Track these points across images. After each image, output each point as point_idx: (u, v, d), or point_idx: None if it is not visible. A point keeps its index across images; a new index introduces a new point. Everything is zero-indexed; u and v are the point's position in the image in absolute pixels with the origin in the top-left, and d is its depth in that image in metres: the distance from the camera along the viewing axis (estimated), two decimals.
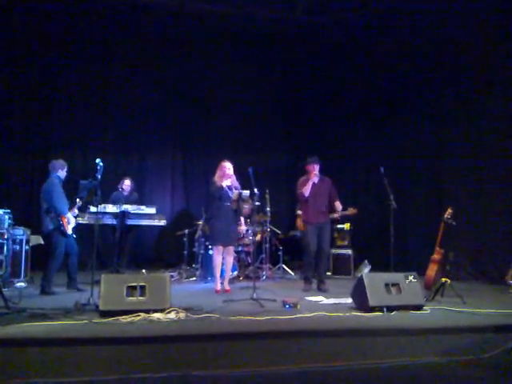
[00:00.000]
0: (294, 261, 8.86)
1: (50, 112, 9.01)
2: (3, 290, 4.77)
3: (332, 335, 4.01)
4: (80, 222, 6.77)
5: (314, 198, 6.44)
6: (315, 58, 9.40)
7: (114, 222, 7.31)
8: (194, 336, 3.87)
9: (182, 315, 4.37)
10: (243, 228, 7.08)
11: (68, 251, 6.02)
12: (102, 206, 6.33)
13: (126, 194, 7.77)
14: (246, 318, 4.39)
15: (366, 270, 8.09)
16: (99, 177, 5.35)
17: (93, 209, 6.05)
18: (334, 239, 8.34)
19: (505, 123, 7.17)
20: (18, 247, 6.78)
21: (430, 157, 8.27)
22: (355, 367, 3.74)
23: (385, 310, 4.67)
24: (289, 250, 8.69)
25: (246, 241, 7.77)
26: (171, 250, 9.28)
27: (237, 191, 6.16)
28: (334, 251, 8.23)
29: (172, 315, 4.35)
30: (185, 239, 7.98)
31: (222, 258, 6.28)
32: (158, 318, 4.27)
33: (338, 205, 6.52)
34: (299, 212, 8.10)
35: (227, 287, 6.26)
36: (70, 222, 5.99)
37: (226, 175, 6.26)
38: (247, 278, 7.49)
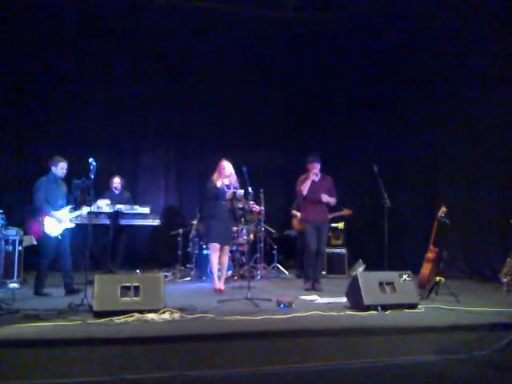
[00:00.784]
0: (289, 260, 8.88)
1: (42, 111, 8.94)
2: None
3: (327, 334, 4.03)
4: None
5: (313, 196, 6.45)
6: (312, 55, 9.37)
7: (108, 221, 7.29)
8: (189, 336, 3.87)
9: (177, 315, 4.37)
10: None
11: (59, 253, 5.83)
12: (97, 205, 6.26)
13: (117, 193, 7.75)
14: (240, 317, 4.40)
15: (360, 269, 8.11)
16: (92, 176, 5.33)
17: (86, 209, 5.96)
18: (329, 238, 8.34)
19: (500, 122, 7.21)
20: (10, 248, 6.74)
21: (424, 155, 8.32)
22: (350, 366, 3.75)
23: (379, 308, 4.70)
24: (283, 250, 8.69)
25: (241, 240, 7.77)
26: (165, 250, 9.25)
27: (231, 190, 6.17)
28: (328, 250, 8.22)
29: (166, 315, 4.35)
30: (179, 239, 7.97)
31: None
32: (152, 319, 4.27)
33: (328, 198, 6.46)
34: (294, 212, 8.13)
35: (222, 287, 6.27)
36: (59, 222, 5.75)
37: (223, 175, 6.26)
38: (242, 277, 7.49)
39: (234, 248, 7.71)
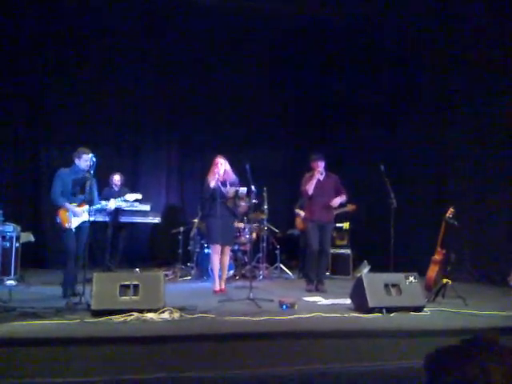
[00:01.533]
0: (292, 260, 8.88)
1: (41, 106, 8.97)
2: None
3: (330, 336, 4.03)
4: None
5: (319, 195, 6.44)
6: (318, 50, 9.36)
7: (107, 218, 7.30)
8: (189, 336, 3.88)
9: (177, 315, 4.38)
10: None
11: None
12: (104, 203, 6.10)
13: (116, 189, 7.75)
14: (242, 318, 4.40)
15: (365, 270, 8.10)
16: (92, 172, 5.34)
17: (113, 203, 5.98)
18: (333, 238, 8.34)
19: (510, 122, 7.18)
20: (8, 244, 6.76)
21: (432, 155, 8.29)
22: (354, 369, 3.74)
23: (384, 311, 4.69)
24: (286, 249, 8.69)
25: (243, 239, 7.78)
26: (165, 248, 9.26)
27: (233, 188, 6.13)
28: (332, 251, 8.20)
29: (166, 315, 4.36)
30: (180, 237, 7.98)
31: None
32: (152, 318, 4.28)
33: (338, 199, 6.46)
34: (298, 211, 8.12)
35: (222, 287, 6.26)
36: (75, 216, 5.52)
37: (216, 173, 6.24)
38: (244, 277, 7.50)
39: (236, 247, 7.71)
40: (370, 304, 4.71)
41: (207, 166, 6.66)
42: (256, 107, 9.70)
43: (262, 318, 4.40)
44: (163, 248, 9.33)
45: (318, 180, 6.46)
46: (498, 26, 7.22)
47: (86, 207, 5.56)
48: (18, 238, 6.92)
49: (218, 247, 6.23)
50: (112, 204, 6.07)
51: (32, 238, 7.21)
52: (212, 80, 9.53)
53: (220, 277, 6.36)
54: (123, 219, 7.64)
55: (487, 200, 7.42)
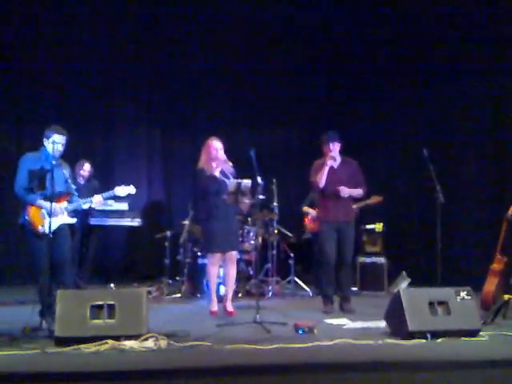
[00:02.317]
0: (310, 272, 8.89)
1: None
2: None
3: (359, 369, 4.03)
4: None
5: (334, 187, 6.40)
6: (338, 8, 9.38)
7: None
8: (179, 370, 3.89)
9: (163, 343, 4.39)
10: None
11: (51, 258, 5.19)
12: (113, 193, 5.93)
13: (82, 182, 7.75)
14: (246, 346, 4.41)
15: (404, 284, 8.11)
16: (54, 162, 5.35)
17: (97, 198, 5.72)
18: (363, 244, 8.36)
19: None
20: None
21: (489, 135, 8.26)
22: None
23: (429, 336, 4.69)
24: (302, 258, 8.71)
25: (247, 246, 7.79)
26: (148, 258, 9.32)
27: (234, 181, 6.12)
28: (361, 259, 8.24)
29: (150, 343, 4.37)
30: (166, 244, 8.01)
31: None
32: (132, 347, 4.30)
33: (349, 190, 6.39)
34: (306, 209, 8.12)
35: (230, 308, 6.25)
36: (50, 216, 5.25)
37: (216, 158, 6.23)
38: (248, 294, 7.53)
39: (239, 256, 7.71)
40: (411, 327, 4.71)
41: (197, 153, 6.64)
42: (261, 75, 9.67)
43: (272, 347, 4.40)
44: (145, 258, 9.39)
45: (332, 168, 6.40)
46: None
47: (65, 204, 5.49)
48: None
49: (217, 256, 6.24)
50: (98, 200, 5.70)
51: None
52: (203, 40, 9.53)
53: (222, 295, 6.39)
54: (93, 222, 7.68)
55: None
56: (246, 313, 5.94)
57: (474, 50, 8.33)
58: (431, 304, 4.89)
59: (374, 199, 7.78)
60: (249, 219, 7.78)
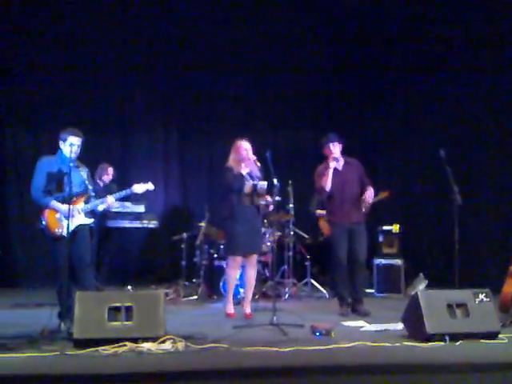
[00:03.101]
0: (327, 274, 8.86)
1: (8, 80, 9.09)
2: None
3: (377, 372, 4.01)
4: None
5: (341, 189, 6.38)
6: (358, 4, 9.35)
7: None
8: (196, 372, 3.90)
9: (181, 345, 4.40)
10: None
11: (72, 263, 5.20)
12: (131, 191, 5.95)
13: (102, 185, 7.82)
14: (263, 349, 4.40)
15: (421, 286, 8.06)
16: (71, 164, 5.38)
17: (111, 199, 5.73)
18: (379, 245, 8.32)
19: None
20: None
21: (508, 135, 8.19)
22: None
23: (447, 338, 4.66)
24: (319, 260, 8.69)
25: (263, 248, 7.78)
26: (165, 260, 9.35)
27: (250, 182, 6.12)
28: (378, 261, 8.20)
29: (167, 345, 4.38)
30: (182, 246, 8.03)
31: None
32: (149, 349, 4.30)
33: (369, 193, 6.36)
34: (319, 211, 8.09)
35: (248, 310, 6.23)
36: (67, 217, 5.16)
37: (246, 159, 6.22)
38: (265, 296, 7.52)
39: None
40: (429, 330, 4.68)
41: (215, 154, 6.68)
42: (278, 80, 9.66)
43: (288, 349, 4.39)
44: (162, 260, 9.41)
45: (336, 170, 6.39)
46: None
47: (82, 205, 5.50)
48: None
49: (238, 259, 6.21)
50: (111, 201, 5.69)
51: None
52: (221, 42, 9.53)
53: (238, 297, 6.39)
54: (111, 224, 7.71)
55: None
56: (262, 315, 5.93)
57: (495, 48, 8.23)
58: (449, 306, 4.86)
59: (382, 195, 7.74)
60: (265, 221, 7.77)
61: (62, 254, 5.18)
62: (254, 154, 6.35)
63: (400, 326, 5.15)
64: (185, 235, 8.05)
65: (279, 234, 8.04)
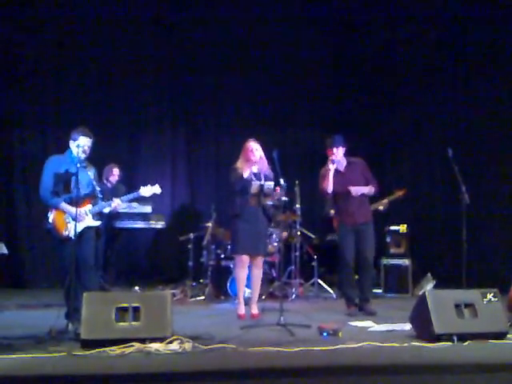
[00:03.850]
0: (333, 274, 8.85)
1: (16, 81, 9.13)
2: None
3: (385, 372, 4.00)
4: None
5: (345, 191, 6.40)
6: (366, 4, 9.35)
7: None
8: (204, 373, 3.90)
9: (188, 346, 4.40)
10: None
11: (76, 262, 5.19)
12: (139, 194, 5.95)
13: (109, 186, 7.84)
14: (270, 349, 4.40)
15: (429, 286, 8.05)
16: (78, 165, 5.39)
17: (117, 201, 5.74)
18: (387, 245, 8.30)
19: None
20: None
21: None
22: None
23: (455, 339, 4.65)
24: (326, 260, 8.68)
25: (270, 248, 7.78)
26: (172, 261, 9.37)
27: (257, 183, 6.13)
28: (385, 261, 8.19)
29: (175, 346, 4.39)
30: (189, 246, 8.04)
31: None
32: (157, 350, 4.31)
33: (361, 188, 6.39)
34: (333, 211, 8.08)
35: (255, 311, 6.24)
36: (73, 219, 5.20)
37: (251, 160, 6.23)
38: (272, 296, 7.52)
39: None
40: (437, 330, 4.67)
41: (223, 153, 6.69)
42: (287, 76, 9.64)
43: (296, 349, 4.39)
44: (169, 260, 9.43)
45: (339, 172, 6.41)
46: None
47: (90, 207, 5.51)
48: None
49: (244, 259, 6.21)
50: (116, 203, 5.68)
51: (5, 250, 7.33)
52: (229, 42, 9.55)
53: (248, 298, 6.41)
54: (118, 224, 7.72)
55: None
56: (269, 315, 5.94)
57: (502, 49, 8.23)
58: (457, 306, 4.85)
59: (397, 194, 7.71)
60: (271, 221, 7.77)
61: (68, 255, 5.20)
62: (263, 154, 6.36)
63: (408, 326, 5.15)
64: (192, 236, 8.07)
65: (286, 234, 8.03)
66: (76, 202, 5.19)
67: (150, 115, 9.69)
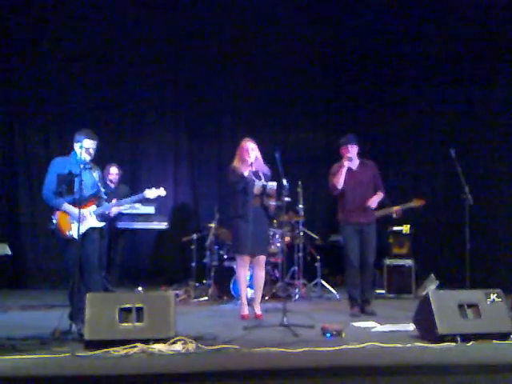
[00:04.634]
0: (337, 275, 8.86)
1: (18, 81, 9.15)
2: None
3: (388, 373, 4.00)
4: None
5: (353, 189, 6.42)
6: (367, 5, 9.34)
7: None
8: (207, 373, 3.90)
9: (191, 347, 4.41)
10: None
11: (80, 263, 5.20)
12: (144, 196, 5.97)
13: (112, 186, 7.84)
14: (273, 349, 4.41)
15: (432, 286, 8.03)
16: (82, 166, 5.40)
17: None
18: (390, 246, 8.29)
19: None
20: None
21: None
22: None
23: (459, 339, 4.65)
24: (329, 261, 8.68)
25: (273, 249, 7.79)
26: (175, 262, 9.36)
27: (260, 183, 6.13)
28: (388, 262, 8.17)
29: (178, 347, 4.39)
30: (192, 247, 8.04)
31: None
32: (160, 351, 4.32)
33: (376, 198, 6.43)
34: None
35: (258, 312, 6.23)
36: (77, 220, 5.18)
37: (248, 160, 6.21)
38: (275, 297, 7.52)
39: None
40: (440, 330, 4.67)
41: (226, 153, 6.68)
42: (290, 75, 9.63)
43: (299, 350, 4.40)
44: (172, 261, 9.42)
45: (351, 170, 6.42)
46: None
47: (93, 208, 5.53)
48: None
49: (245, 259, 6.22)
50: (115, 210, 5.86)
51: (8, 251, 7.34)
52: (230, 46, 9.55)
53: (251, 299, 6.41)
54: (121, 225, 7.72)
55: None
56: (272, 316, 5.93)
57: (502, 50, 8.23)
58: (461, 307, 4.85)
59: (416, 202, 7.69)
60: (274, 222, 7.77)
61: (72, 256, 5.23)
62: (264, 154, 6.35)
63: (411, 326, 5.15)
64: (195, 236, 8.06)
65: (289, 234, 8.03)
66: (79, 203, 5.19)
67: (152, 116, 9.67)
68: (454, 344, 4.61)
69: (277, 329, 5.30)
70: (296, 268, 8.02)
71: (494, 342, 4.72)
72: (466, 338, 4.67)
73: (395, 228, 8.32)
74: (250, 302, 6.43)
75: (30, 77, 9.09)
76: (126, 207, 6.14)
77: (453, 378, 4.02)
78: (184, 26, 9.48)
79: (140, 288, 7.85)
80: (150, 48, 9.49)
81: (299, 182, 7.83)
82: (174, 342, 4.43)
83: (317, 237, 8.51)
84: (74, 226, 5.31)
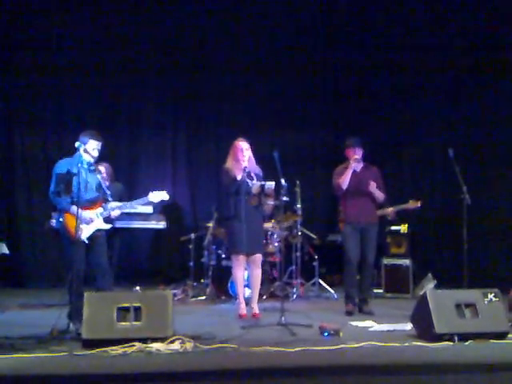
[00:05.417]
0: (334, 274, 8.86)
1: (16, 80, 9.13)
2: None
3: (385, 372, 4.01)
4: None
5: (356, 191, 6.46)
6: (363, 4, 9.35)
7: None
8: (205, 372, 3.91)
9: (189, 346, 4.41)
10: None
11: (88, 265, 5.43)
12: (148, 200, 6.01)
13: (106, 184, 7.81)
14: (271, 349, 4.41)
15: (430, 286, 8.04)
16: (79, 165, 5.40)
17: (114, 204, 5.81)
18: (388, 245, 8.29)
19: None
20: None
21: None
22: None
23: (456, 338, 4.65)
24: (327, 261, 8.68)
25: (271, 248, 7.80)
26: (172, 261, 9.36)
27: (258, 183, 6.13)
28: (386, 262, 8.18)
29: (176, 345, 4.40)
30: (190, 246, 8.04)
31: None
32: (158, 350, 4.32)
33: (381, 195, 6.49)
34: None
35: (256, 311, 6.24)
36: (83, 222, 5.38)
37: (241, 161, 6.23)
38: (273, 296, 7.52)
39: (263, 258, 7.71)
40: (438, 330, 4.68)
41: (223, 153, 6.67)
42: (287, 76, 9.63)
43: (296, 349, 4.40)
44: (170, 260, 9.42)
45: (354, 171, 6.47)
46: None
47: (100, 210, 5.57)
48: None
49: (241, 258, 6.23)
50: (116, 214, 5.80)
51: (6, 250, 7.34)
52: (228, 46, 9.57)
53: (249, 298, 6.41)
54: (118, 224, 7.70)
55: None
56: (270, 315, 5.94)
57: (502, 49, 8.24)
58: (458, 306, 4.85)
59: (412, 204, 7.70)
60: (272, 221, 7.77)
61: (77, 257, 5.29)
62: (263, 154, 6.36)
63: (409, 326, 5.16)
64: (193, 236, 8.06)
65: (287, 234, 8.03)
66: (77, 203, 5.21)
67: (150, 116, 9.67)
68: (451, 343, 4.61)
69: (275, 328, 5.31)
70: (294, 267, 8.03)
71: (492, 341, 4.72)
72: (463, 337, 4.67)
73: (393, 228, 8.32)
74: (248, 301, 6.43)
75: (29, 77, 9.07)
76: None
77: (450, 377, 4.03)
78: (184, 26, 9.49)
79: (138, 287, 7.85)
80: (148, 49, 9.50)
81: (297, 182, 7.84)
82: (172, 341, 4.44)
83: (315, 236, 8.52)
84: (83, 227, 5.39)
